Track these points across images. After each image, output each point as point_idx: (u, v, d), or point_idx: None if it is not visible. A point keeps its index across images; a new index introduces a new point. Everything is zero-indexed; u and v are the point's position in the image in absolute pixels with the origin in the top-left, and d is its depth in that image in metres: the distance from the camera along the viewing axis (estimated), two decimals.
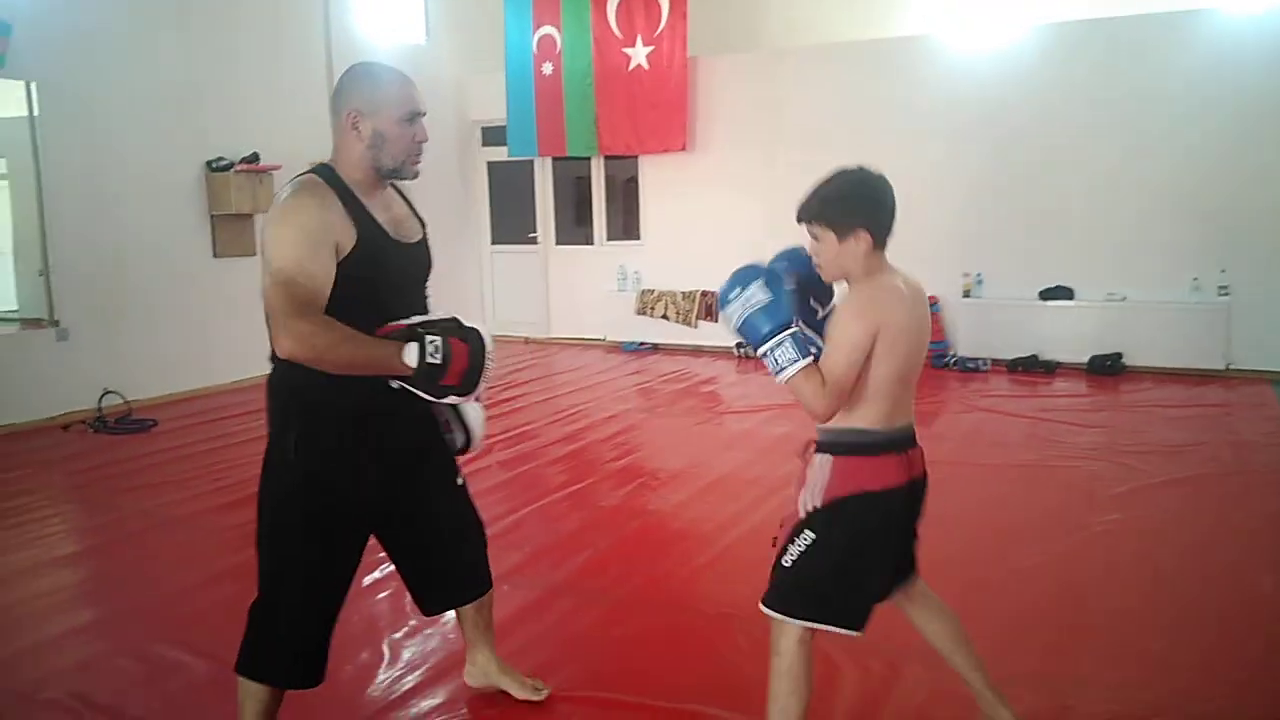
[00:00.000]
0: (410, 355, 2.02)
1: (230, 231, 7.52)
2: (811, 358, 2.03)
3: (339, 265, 2.06)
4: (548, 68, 9.31)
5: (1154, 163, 7.41)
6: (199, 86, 7.27)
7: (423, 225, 2.38)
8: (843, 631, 2.11)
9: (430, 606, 2.60)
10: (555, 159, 9.84)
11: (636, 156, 9.41)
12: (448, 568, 2.52)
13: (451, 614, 2.78)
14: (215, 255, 7.45)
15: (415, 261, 2.31)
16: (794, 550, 2.10)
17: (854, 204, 2.07)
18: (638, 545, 4.05)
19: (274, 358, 2.09)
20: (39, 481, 5.10)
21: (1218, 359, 7.28)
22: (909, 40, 8.23)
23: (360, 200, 2.13)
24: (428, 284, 2.38)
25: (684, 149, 8.96)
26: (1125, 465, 4.91)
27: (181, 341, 7.21)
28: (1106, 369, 7.46)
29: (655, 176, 9.38)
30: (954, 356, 7.93)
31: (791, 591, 2.11)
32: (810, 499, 2.10)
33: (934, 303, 8.07)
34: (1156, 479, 4.67)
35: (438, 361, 2.02)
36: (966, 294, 8.04)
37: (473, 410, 2.33)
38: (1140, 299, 7.53)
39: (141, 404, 6.73)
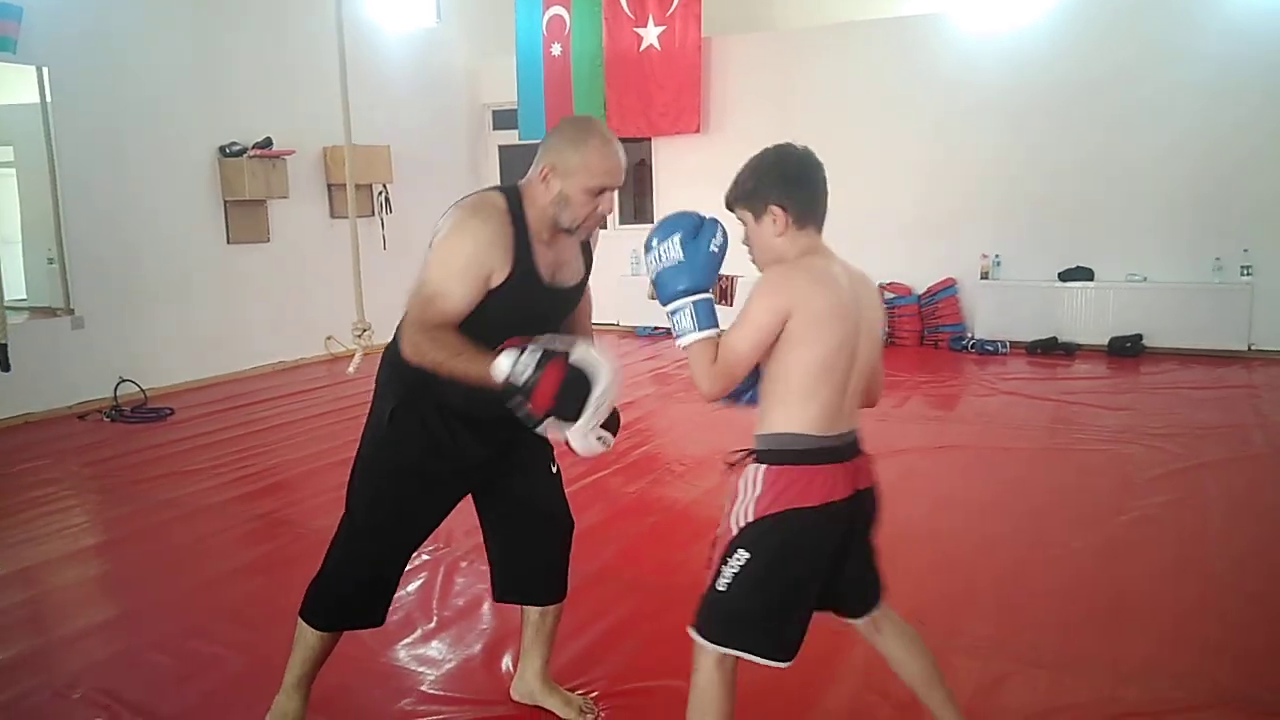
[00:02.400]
0: (499, 368, 1.95)
1: (244, 217, 7.45)
2: (712, 330, 1.88)
3: (486, 294, 2.10)
4: (556, 49, 9.22)
5: (1176, 142, 7.32)
6: (211, 71, 7.20)
7: (587, 269, 2.34)
8: (769, 663, 1.92)
9: (499, 593, 2.55)
10: None
11: (649, 139, 9.32)
12: (525, 559, 2.49)
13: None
14: (229, 241, 7.38)
15: (558, 304, 2.29)
16: (728, 572, 1.90)
17: (764, 180, 1.94)
18: (668, 535, 4.00)
19: (396, 333, 2.19)
20: (58, 472, 5.06)
21: (1240, 340, 7.22)
22: (925, 18, 8.12)
23: (530, 236, 2.13)
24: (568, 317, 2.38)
25: (698, 131, 8.87)
26: (1157, 448, 4.85)
27: (196, 329, 7.16)
28: (1127, 350, 7.39)
29: (668, 159, 9.29)
30: (972, 339, 7.86)
31: (724, 618, 1.93)
32: (742, 514, 1.90)
33: (951, 285, 8.01)
34: (1191, 462, 4.61)
35: (523, 378, 1.93)
36: (985, 276, 7.96)
37: (578, 436, 2.02)
38: (1161, 280, 7.46)
39: (157, 392, 6.68)
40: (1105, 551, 3.60)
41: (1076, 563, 3.50)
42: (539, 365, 1.93)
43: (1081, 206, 7.70)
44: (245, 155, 7.25)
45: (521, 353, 1.95)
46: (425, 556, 3.65)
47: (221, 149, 7.24)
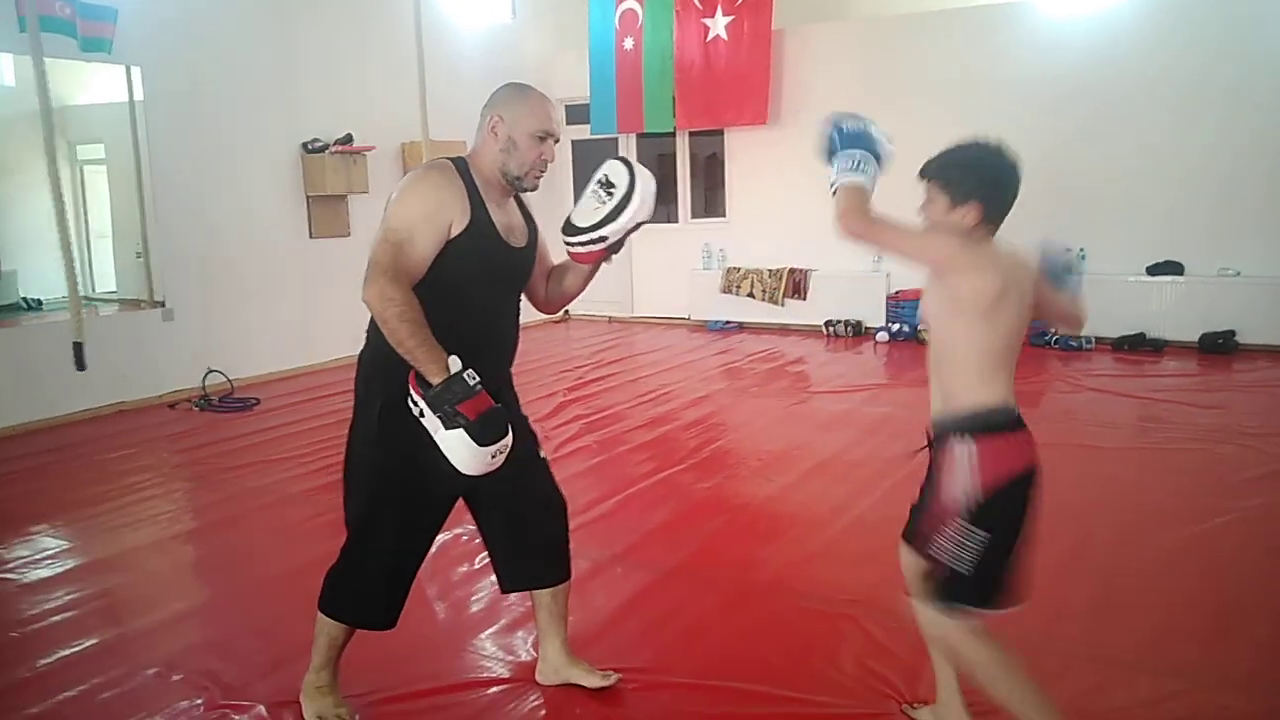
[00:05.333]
0: (455, 363, 2.08)
1: (325, 212, 7.61)
2: (868, 180, 2.09)
3: (446, 244, 2.20)
4: (629, 43, 9.23)
5: (1271, 129, 7.03)
6: (294, 69, 7.36)
7: (533, 233, 2.47)
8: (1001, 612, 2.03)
9: (508, 583, 2.64)
10: (640, 136, 9.76)
11: (721, 133, 9.28)
12: (529, 544, 2.56)
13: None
14: (311, 236, 7.55)
15: (516, 264, 2.41)
16: (969, 554, 1.97)
17: (976, 174, 2.04)
18: (747, 530, 3.97)
19: (370, 329, 2.29)
20: (150, 459, 5.22)
21: None
22: (1005, 6, 7.92)
23: (481, 195, 2.28)
24: (522, 293, 2.51)
25: (764, 122, 8.77)
26: (1252, 448, 4.68)
27: (279, 321, 7.34)
28: (1218, 347, 7.14)
29: (741, 152, 9.23)
30: (1056, 334, 7.67)
31: (972, 592, 2.00)
32: (969, 495, 1.97)
33: None
34: None
35: (470, 383, 2.06)
36: None
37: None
38: (1255, 274, 7.18)
39: (243, 382, 6.86)
40: (1202, 554, 3.48)
41: (1172, 565, 3.39)
42: (476, 387, 2.07)
43: (1171, 198, 7.44)
44: (327, 152, 7.39)
45: (465, 371, 2.08)
46: None
47: (304, 145, 7.40)
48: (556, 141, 2.35)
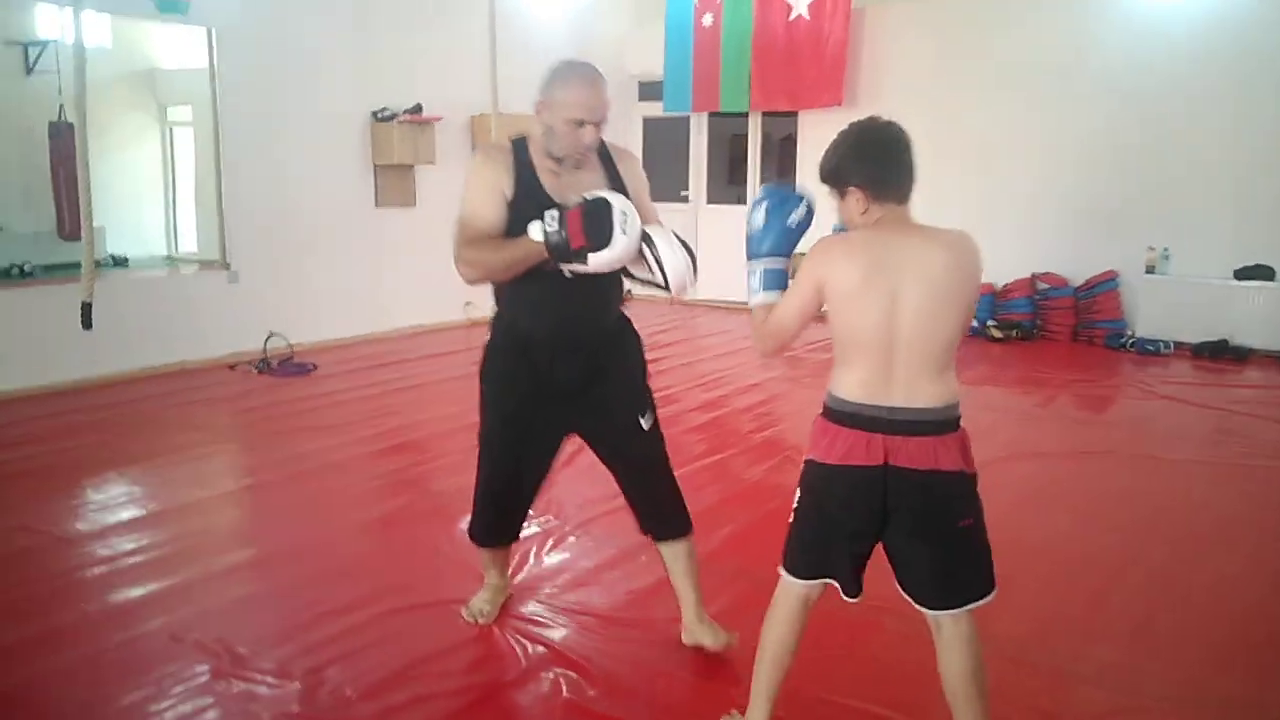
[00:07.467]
0: (534, 231, 2.32)
1: (392, 181, 7.66)
2: (775, 295, 2.11)
3: (508, 209, 2.45)
4: (708, 19, 9.07)
5: None
6: (367, 37, 7.40)
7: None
8: (834, 585, 2.13)
9: (638, 524, 2.81)
10: (712, 115, 9.62)
11: (795, 114, 9.08)
12: (635, 501, 2.75)
13: None
14: (377, 205, 7.62)
15: None
16: (794, 504, 2.16)
17: (841, 165, 2.06)
18: (781, 524, 3.86)
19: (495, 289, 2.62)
20: (205, 419, 5.34)
21: None
22: None
23: (533, 166, 2.48)
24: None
25: (840, 104, 8.55)
26: None
27: (342, 288, 7.43)
28: None
29: (814, 134, 9.01)
30: (1132, 337, 7.35)
31: (787, 540, 2.17)
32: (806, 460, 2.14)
33: (1113, 278, 7.50)
34: None
35: (554, 228, 2.27)
36: (1150, 269, 7.42)
37: (669, 253, 2.40)
38: None
39: (303, 347, 6.97)
40: (1260, 580, 3.28)
41: (1230, 590, 3.20)
42: (560, 218, 2.28)
43: (1263, 199, 7.04)
44: (395, 120, 7.44)
45: (544, 217, 2.30)
46: (535, 528, 3.67)
47: (374, 113, 7.45)
48: (599, 125, 2.43)
